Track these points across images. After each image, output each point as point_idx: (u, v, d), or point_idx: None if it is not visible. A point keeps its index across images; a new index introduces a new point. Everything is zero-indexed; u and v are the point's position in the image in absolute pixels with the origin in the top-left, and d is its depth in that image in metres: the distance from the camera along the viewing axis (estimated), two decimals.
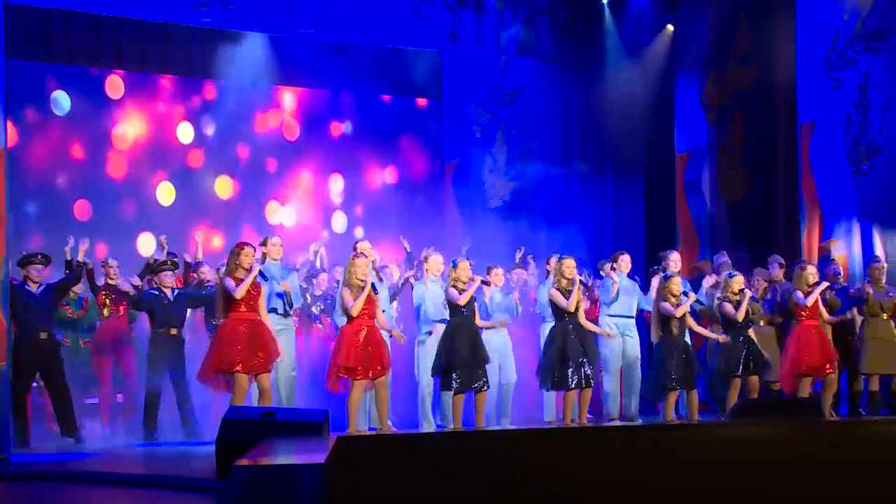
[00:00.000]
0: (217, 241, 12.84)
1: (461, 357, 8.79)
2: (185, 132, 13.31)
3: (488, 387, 9.02)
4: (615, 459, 5.62)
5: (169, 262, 9.99)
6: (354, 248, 9.56)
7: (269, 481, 3.95)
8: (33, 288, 9.21)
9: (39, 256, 9.35)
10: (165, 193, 12.99)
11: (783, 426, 6.17)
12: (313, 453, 4.46)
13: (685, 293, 9.55)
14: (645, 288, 10.70)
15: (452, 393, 8.85)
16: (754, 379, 9.61)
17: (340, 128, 14.25)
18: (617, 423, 10.01)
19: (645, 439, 6.09)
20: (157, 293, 9.72)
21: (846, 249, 11.57)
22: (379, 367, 8.57)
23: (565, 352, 9.13)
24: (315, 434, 5.78)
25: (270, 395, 8.55)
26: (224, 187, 13.45)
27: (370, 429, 9.43)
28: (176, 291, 9.79)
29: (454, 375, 8.80)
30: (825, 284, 9.74)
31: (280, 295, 9.34)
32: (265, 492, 3.90)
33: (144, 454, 8.50)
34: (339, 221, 14.06)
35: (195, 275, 10.37)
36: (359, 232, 13.77)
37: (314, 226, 13.86)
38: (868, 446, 6.24)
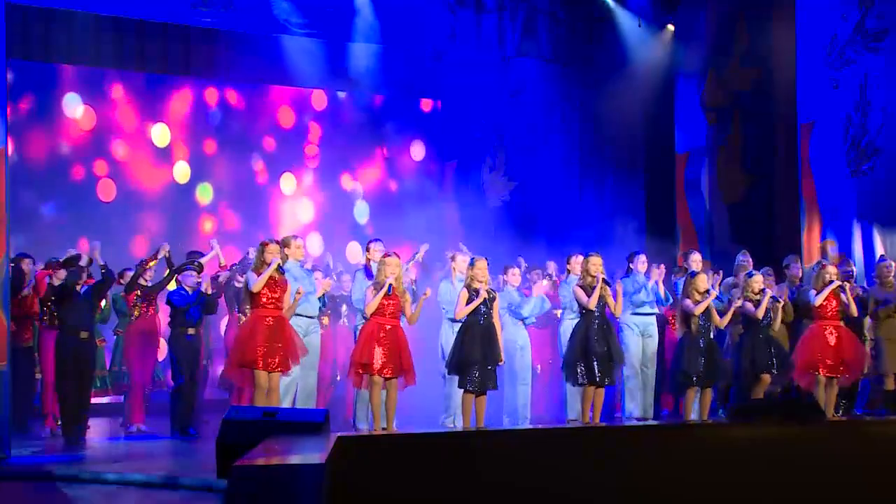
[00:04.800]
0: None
1: (475, 357, 8.79)
2: (181, 131, 13.34)
3: (495, 387, 9.01)
4: (615, 459, 5.62)
5: (195, 262, 9.93)
6: (367, 249, 9.57)
7: (269, 481, 3.95)
8: (77, 289, 9.26)
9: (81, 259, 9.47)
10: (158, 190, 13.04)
11: (783, 426, 6.17)
12: (314, 453, 4.46)
13: (707, 291, 9.60)
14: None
15: (464, 392, 8.84)
16: (766, 377, 9.63)
17: (340, 127, 14.26)
18: (634, 422, 10.05)
19: (645, 439, 6.09)
20: (183, 293, 9.70)
21: (846, 249, 11.56)
22: (393, 368, 8.55)
23: (587, 347, 9.20)
24: (315, 434, 5.77)
25: (278, 395, 8.47)
26: (208, 190, 13.50)
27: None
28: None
29: (469, 375, 8.79)
30: (836, 284, 9.71)
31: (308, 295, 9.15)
32: (265, 492, 3.90)
33: (144, 454, 8.49)
34: (339, 222, 14.08)
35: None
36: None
37: (313, 227, 13.86)
38: (868, 446, 6.24)
